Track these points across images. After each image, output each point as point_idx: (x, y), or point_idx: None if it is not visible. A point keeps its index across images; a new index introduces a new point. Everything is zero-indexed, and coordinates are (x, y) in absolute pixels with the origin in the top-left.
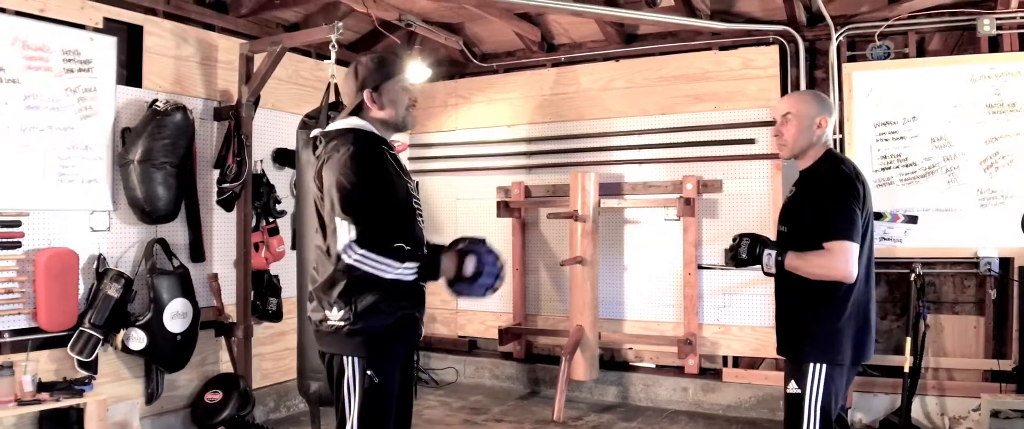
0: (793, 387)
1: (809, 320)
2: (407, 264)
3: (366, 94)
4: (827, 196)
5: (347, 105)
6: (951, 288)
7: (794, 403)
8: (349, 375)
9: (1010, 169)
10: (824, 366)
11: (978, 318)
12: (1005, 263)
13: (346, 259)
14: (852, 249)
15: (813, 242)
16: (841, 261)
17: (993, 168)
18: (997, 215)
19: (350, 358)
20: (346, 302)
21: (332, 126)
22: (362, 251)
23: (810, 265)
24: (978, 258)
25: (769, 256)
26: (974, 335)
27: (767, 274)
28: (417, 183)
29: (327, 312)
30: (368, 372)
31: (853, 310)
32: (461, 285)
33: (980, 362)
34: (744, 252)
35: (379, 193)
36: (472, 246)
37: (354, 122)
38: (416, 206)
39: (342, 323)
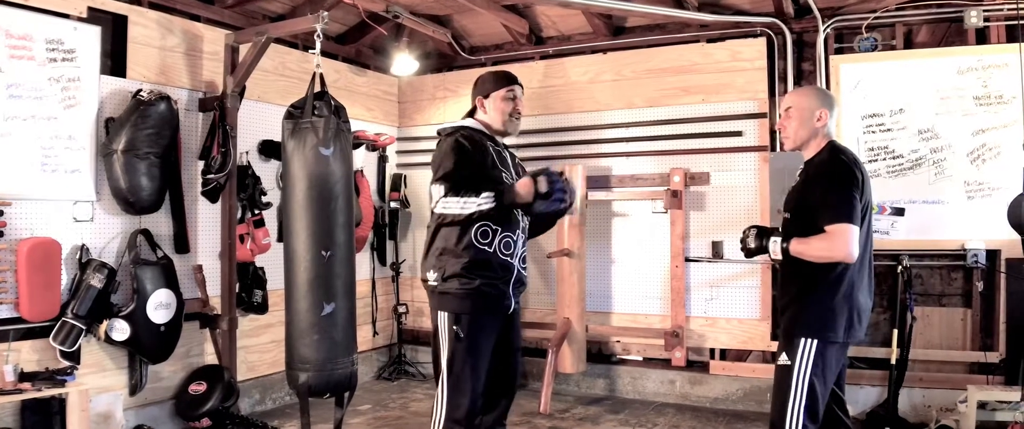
0: (784, 359)
1: (805, 298)
2: (483, 196)
3: (478, 100)
4: (826, 183)
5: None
6: (938, 280)
7: (783, 374)
8: (441, 327)
9: (997, 161)
10: (815, 341)
11: (965, 310)
12: (992, 255)
13: (437, 210)
14: (852, 231)
15: (815, 227)
16: (841, 242)
17: (980, 160)
18: (984, 207)
19: (442, 313)
20: (437, 268)
21: (451, 124)
22: (446, 201)
23: (812, 248)
24: (965, 250)
25: (775, 243)
26: (961, 327)
27: (774, 261)
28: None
29: (427, 274)
30: (454, 327)
31: (847, 291)
32: (539, 202)
33: (967, 354)
34: (752, 242)
35: (471, 170)
36: (539, 171)
37: (467, 122)
38: None
39: (435, 284)
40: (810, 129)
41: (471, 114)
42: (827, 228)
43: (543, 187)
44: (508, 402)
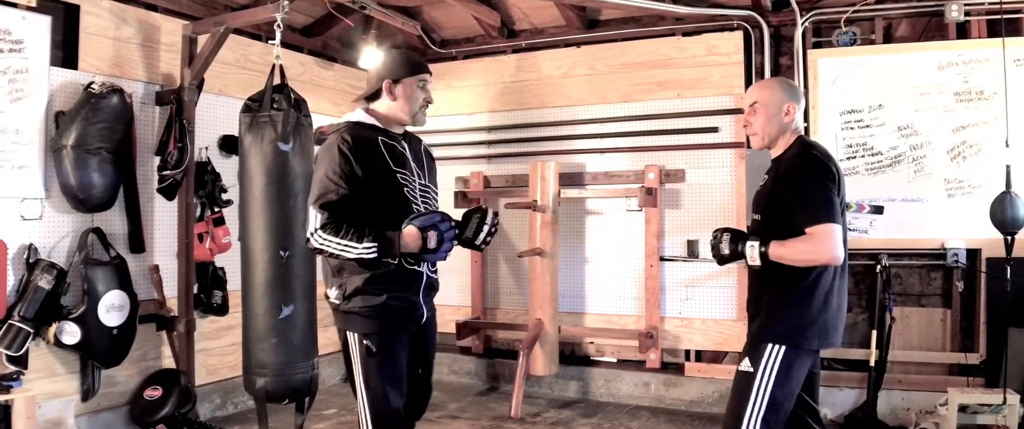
0: (746, 365)
1: (779, 305)
2: (365, 244)
3: (385, 83)
4: (801, 181)
5: (366, 90)
6: (917, 280)
7: (742, 381)
8: (352, 347)
9: (978, 158)
10: (784, 348)
11: (945, 311)
12: (972, 255)
13: (312, 243)
14: (836, 231)
15: (790, 228)
16: (825, 244)
17: (960, 157)
18: (964, 205)
19: (351, 333)
20: (338, 285)
21: (337, 119)
22: (324, 236)
23: (794, 252)
24: (945, 249)
25: (752, 248)
26: (940, 328)
27: (750, 266)
28: (426, 171)
29: (329, 290)
30: (365, 342)
31: (824, 297)
32: (427, 255)
33: (947, 355)
34: (725, 247)
35: (353, 185)
36: (429, 222)
37: (356, 115)
38: (409, 196)
39: (337, 302)
40: (779, 125)
41: (371, 98)
42: (808, 230)
43: (432, 244)
44: (421, 410)
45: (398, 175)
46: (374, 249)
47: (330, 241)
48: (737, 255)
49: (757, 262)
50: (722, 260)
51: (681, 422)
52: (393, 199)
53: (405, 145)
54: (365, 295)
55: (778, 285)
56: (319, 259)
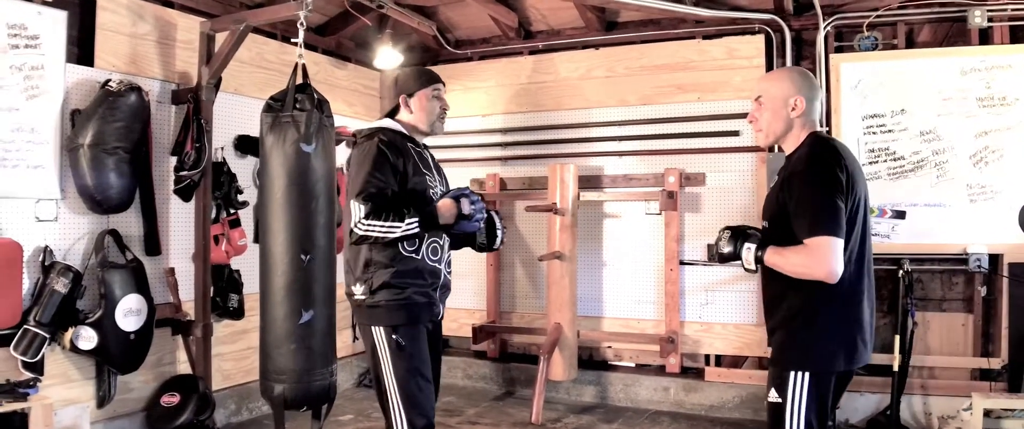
0: (773, 395)
1: (792, 322)
2: (408, 221)
3: (402, 99)
4: (804, 185)
5: (386, 106)
6: (939, 285)
7: (775, 413)
8: (380, 342)
9: (1000, 164)
10: (807, 374)
11: (966, 316)
12: (994, 260)
13: (357, 231)
14: (834, 245)
15: (794, 236)
16: (822, 259)
17: (983, 163)
18: (987, 211)
19: (378, 328)
20: (364, 280)
21: (368, 125)
22: (367, 222)
23: (789, 263)
24: (967, 254)
25: (749, 251)
26: (962, 333)
27: (747, 270)
28: (443, 178)
29: (353, 287)
30: (394, 336)
31: (844, 310)
32: (462, 223)
33: (968, 360)
34: (725, 246)
35: (391, 182)
36: (459, 192)
37: (384, 123)
38: (433, 197)
39: (363, 297)
40: (784, 120)
41: (391, 114)
42: (806, 241)
43: (466, 209)
44: None
45: (426, 177)
46: (416, 223)
47: (374, 226)
48: (736, 255)
49: (752, 266)
50: (722, 259)
51: (702, 427)
52: (424, 198)
53: (427, 154)
54: (391, 288)
55: (791, 299)
56: (341, 259)
